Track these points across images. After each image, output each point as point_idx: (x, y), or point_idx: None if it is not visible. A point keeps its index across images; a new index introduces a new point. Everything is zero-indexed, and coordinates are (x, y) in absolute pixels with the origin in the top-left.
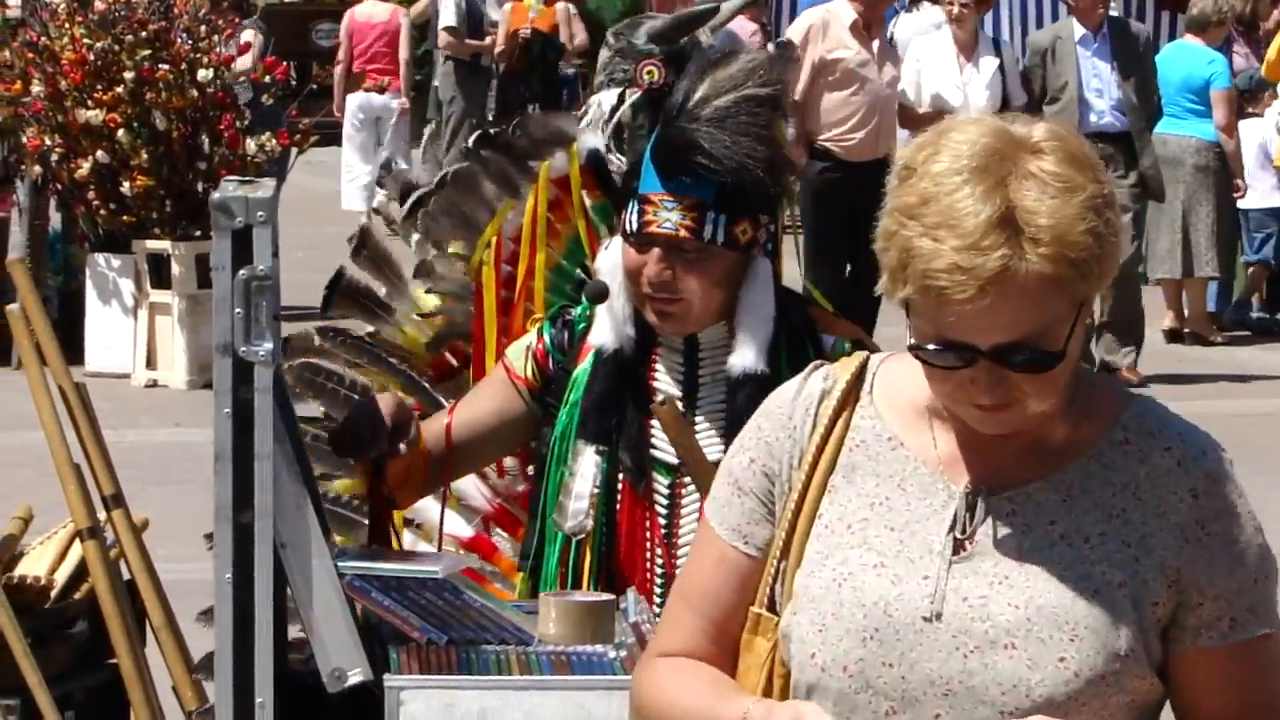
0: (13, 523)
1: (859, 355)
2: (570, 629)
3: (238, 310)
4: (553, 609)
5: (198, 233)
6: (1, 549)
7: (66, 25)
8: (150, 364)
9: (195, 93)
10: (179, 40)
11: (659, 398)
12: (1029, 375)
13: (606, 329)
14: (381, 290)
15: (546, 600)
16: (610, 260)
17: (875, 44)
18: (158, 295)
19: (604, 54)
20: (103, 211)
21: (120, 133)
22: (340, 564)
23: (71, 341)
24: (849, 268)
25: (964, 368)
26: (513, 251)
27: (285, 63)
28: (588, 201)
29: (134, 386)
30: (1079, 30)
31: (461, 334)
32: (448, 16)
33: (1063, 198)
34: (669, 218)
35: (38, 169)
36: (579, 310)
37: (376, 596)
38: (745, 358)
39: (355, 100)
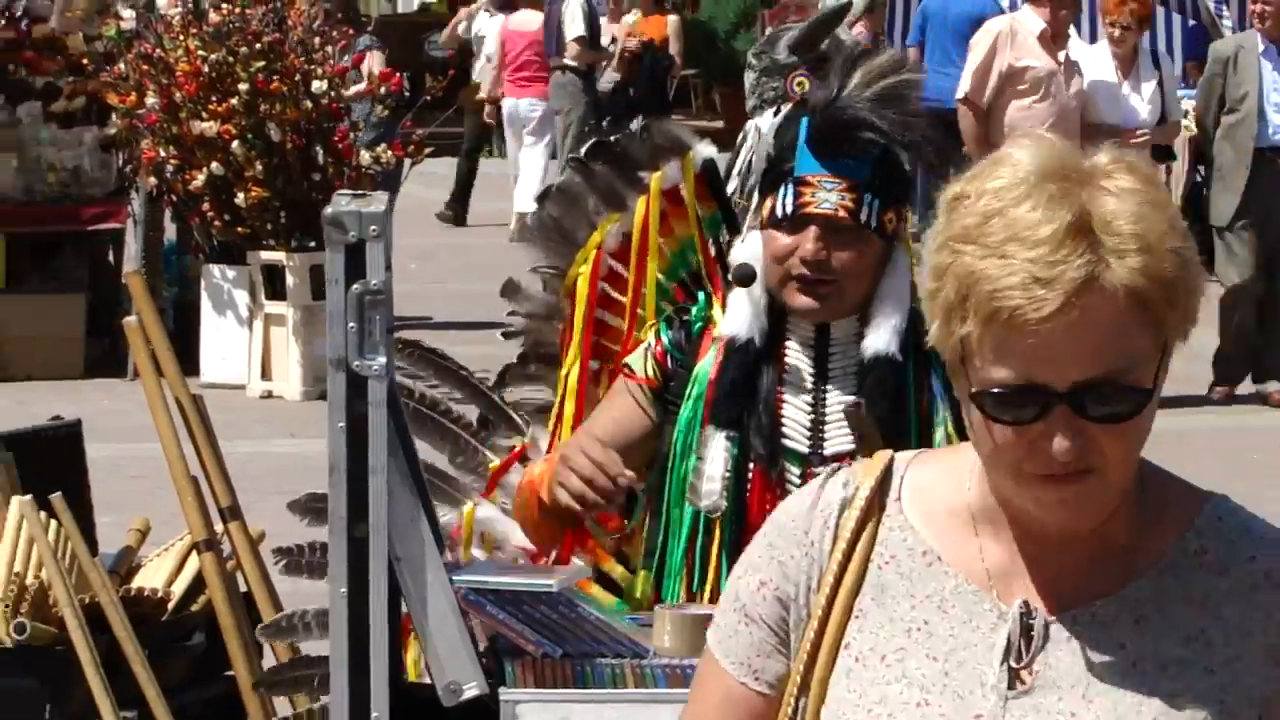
0: (130, 535)
1: (882, 456)
2: (685, 642)
3: (351, 325)
4: (667, 622)
5: (312, 244)
6: (119, 561)
7: (181, 37)
8: (265, 375)
9: (309, 104)
10: (293, 52)
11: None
12: (1111, 428)
13: (741, 318)
14: None
15: (661, 613)
16: (747, 252)
17: (1062, 55)
18: (272, 306)
19: (749, 77)
20: (217, 223)
21: (235, 144)
22: (454, 578)
23: (186, 353)
24: None
25: (1037, 419)
26: (610, 269)
27: (400, 74)
28: (700, 212)
29: (249, 397)
30: (1263, 42)
31: (546, 353)
32: (577, 27)
33: (1146, 209)
34: (827, 198)
35: (153, 180)
36: (695, 310)
37: (491, 610)
38: (879, 340)
39: (505, 106)
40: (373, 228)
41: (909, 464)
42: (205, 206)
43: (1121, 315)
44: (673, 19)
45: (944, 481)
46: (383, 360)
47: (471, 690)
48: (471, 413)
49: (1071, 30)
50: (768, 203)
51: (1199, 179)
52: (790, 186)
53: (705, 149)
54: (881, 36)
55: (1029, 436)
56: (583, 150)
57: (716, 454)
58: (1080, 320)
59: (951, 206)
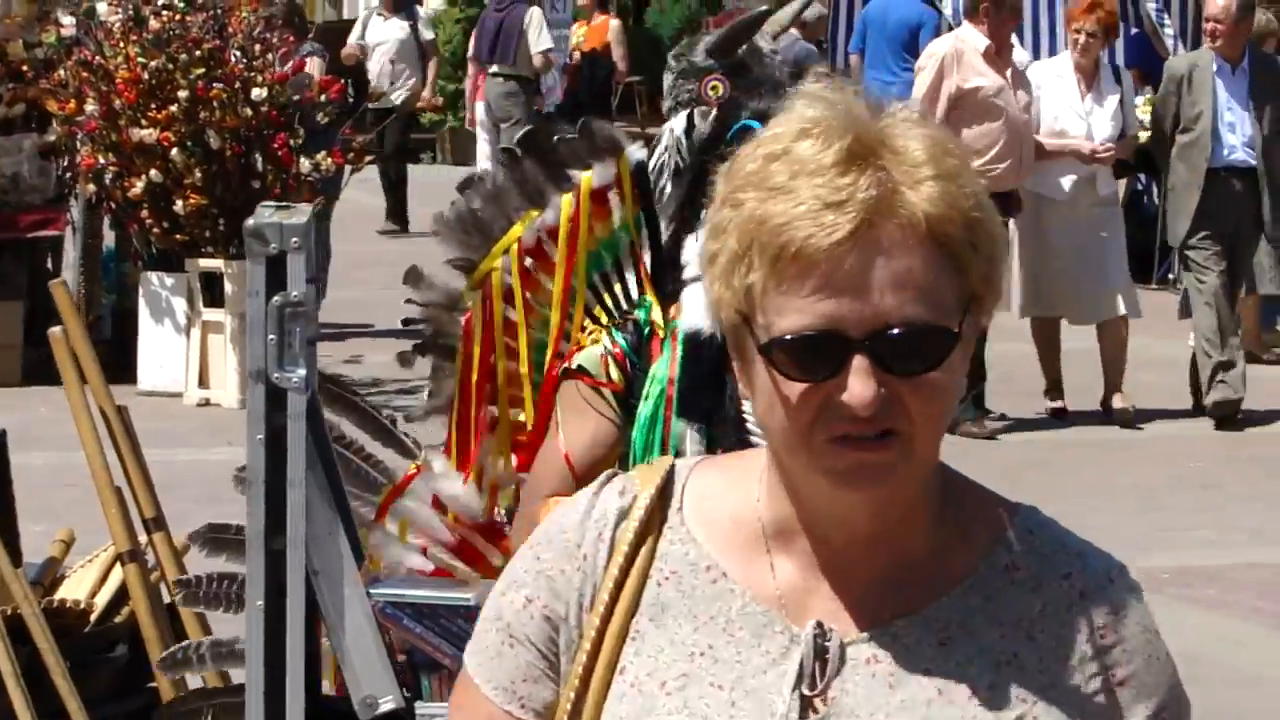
0: (55, 545)
1: (663, 462)
2: None
3: (271, 336)
4: None
5: None
6: (43, 572)
7: (121, 44)
8: (203, 383)
9: (249, 111)
10: (233, 59)
11: None
12: (916, 383)
13: (701, 312)
14: None
15: None
16: (696, 250)
17: (1009, 70)
18: (210, 314)
19: (667, 78)
20: (156, 230)
21: (174, 151)
22: (372, 591)
23: (124, 360)
24: None
25: (834, 374)
26: (522, 267)
27: (343, 81)
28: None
29: (186, 405)
30: (1216, 60)
31: (444, 344)
32: (545, 40)
33: (939, 146)
34: None
35: (92, 188)
36: (642, 315)
37: (408, 624)
38: None
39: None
40: (294, 240)
41: (691, 471)
42: (144, 214)
43: (923, 247)
44: (614, 24)
45: (730, 491)
46: (303, 373)
47: (388, 704)
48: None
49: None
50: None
51: (1139, 186)
52: None
53: (637, 151)
54: (824, 43)
55: (824, 393)
56: (515, 140)
57: (691, 448)
58: (878, 248)
59: (728, 169)
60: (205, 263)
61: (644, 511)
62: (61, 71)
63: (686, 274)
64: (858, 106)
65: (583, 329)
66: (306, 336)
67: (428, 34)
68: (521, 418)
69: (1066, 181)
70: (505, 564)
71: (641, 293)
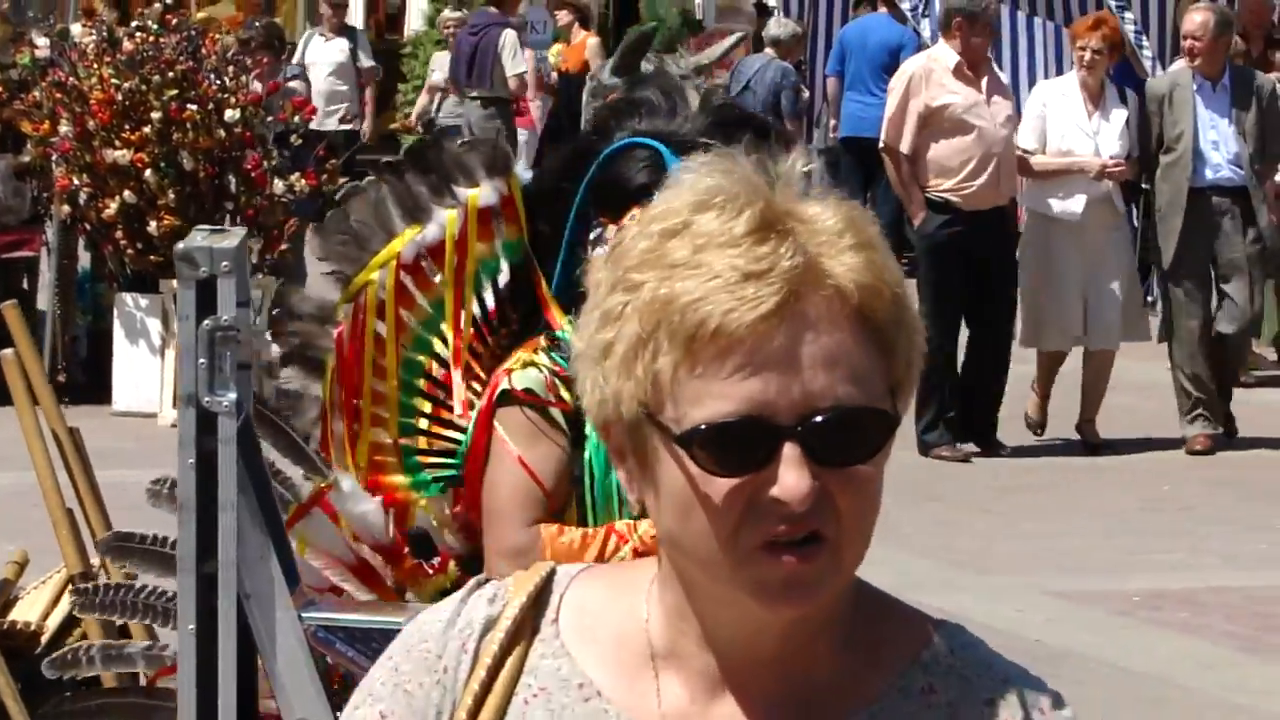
0: (8, 567)
1: (540, 568)
2: None
3: (201, 361)
4: None
5: None
6: None
7: (95, 65)
8: (177, 403)
9: (222, 133)
10: (206, 81)
11: None
12: (849, 477)
13: None
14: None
15: None
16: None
17: (984, 82)
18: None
19: (585, 98)
20: (130, 251)
21: (148, 173)
22: (304, 615)
23: (100, 381)
24: (964, 324)
25: (761, 468)
26: (399, 283)
27: (313, 103)
28: (502, 236)
29: (160, 426)
30: (1197, 79)
31: (309, 355)
32: (519, 64)
33: (852, 211)
34: None
35: (66, 208)
36: (565, 336)
37: (341, 648)
38: None
39: None
40: (224, 263)
41: (573, 579)
42: (118, 234)
43: (850, 322)
44: (592, 42)
45: (615, 603)
46: (233, 396)
47: None
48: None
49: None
50: (636, 213)
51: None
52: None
53: (525, 171)
54: (803, 64)
55: (751, 490)
56: (402, 153)
57: None
58: (805, 322)
59: (613, 253)
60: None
61: (513, 622)
62: (36, 92)
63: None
64: (756, 175)
65: (476, 352)
66: (239, 360)
67: (367, 61)
68: (385, 438)
69: (1078, 203)
70: (397, 586)
71: (531, 314)
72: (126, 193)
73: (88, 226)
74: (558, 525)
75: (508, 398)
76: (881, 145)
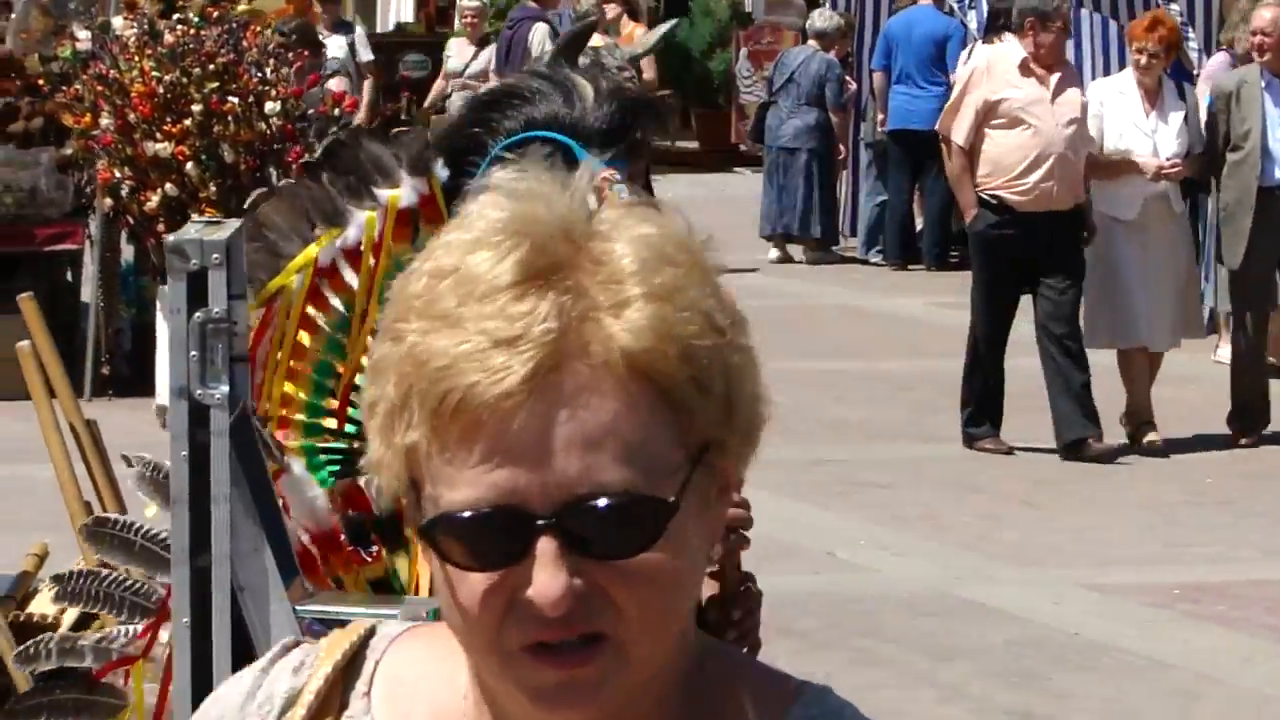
0: (28, 559)
1: (357, 627)
2: None
3: (193, 353)
4: None
5: None
6: (16, 586)
7: (136, 58)
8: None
9: (263, 126)
10: (248, 74)
11: None
12: (621, 567)
13: None
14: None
15: None
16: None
17: (1053, 80)
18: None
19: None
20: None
21: (189, 165)
22: (298, 607)
23: (144, 373)
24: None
25: (515, 559)
26: (313, 286)
27: (352, 96)
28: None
29: None
30: (1265, 76)
31: None
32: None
33: (661, 251)
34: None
35: (108, 201)
36: None
37: None
38: None
39: None
40: (214, 255)
41: (391, 643)
42: (160, 227)
43: (624, 391)
44: (639, 33)
45: (434, 672)
46: (225, 389)
47: None
48: None
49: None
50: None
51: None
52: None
53: (443, 170)
54: (850, 59)
55: (508, 588)
56: (318, 152)
57: None
58: (560, 397)
59: (399, 282)
60: None
61: (316, 696)
62: (77, 85)
63: None
64: (558, 201)
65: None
66: (235, 353)
67: (366, 54)
68: (291, 441)
69: (1136, 201)
70: (332, 576)
71: None
72: (168, 185)
73: (130, 219)
74: None
75: None
76: (942, 136)
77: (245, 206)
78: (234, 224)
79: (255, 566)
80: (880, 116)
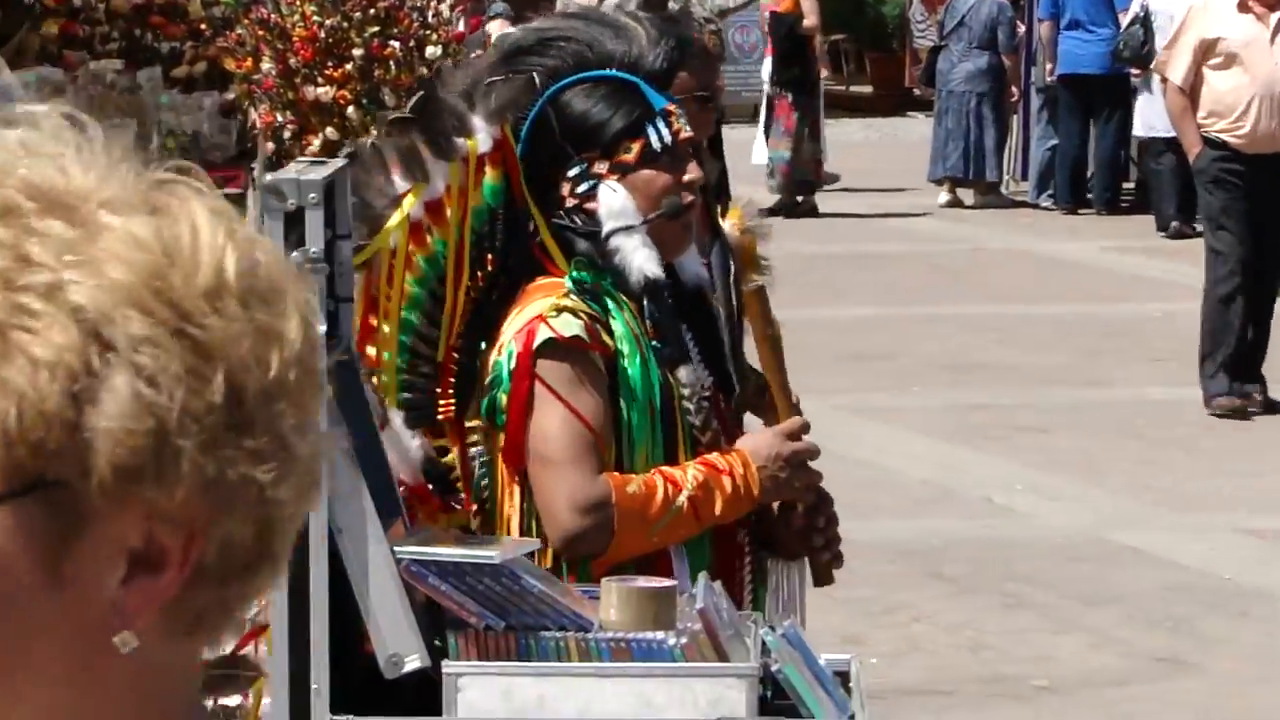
0: None
1: None
2: (631, 615)
3: None
4: (614, 594)
5: None
6: None
7: (297, 2)
8: None
9: (424, 70)
10: (408, 17)
11: (752, 283)
12: None
13: (648, 260)
14: None
15: (608, 586)
16: (619, 201)
17: (1274, 18)
18: None
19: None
20: None
21: (350, 109)
22: (397, 549)
23: None
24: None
25: None
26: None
27: None
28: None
29: None
30: None
31: None
32: None
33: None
34: (688, 124)
35: (270, 146)
36: (586, 277)
37: (434, 582)
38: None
39: None
40: (311, 195)
41: None
42: None
43: None
44: None
45: None
46: (322, 330)
47: (413, 662)
48: None
49: None
50: (633, 147)
51: None
52: (660, 121)
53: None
54: (1021, 1)
55: None
56: (409, 107)
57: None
58: None
59: None
60: None
61: None
62: (239, 30)
63: (607, 227)
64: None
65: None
66: (340, 294)
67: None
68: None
69: None
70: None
71: (514, 257)
72: (329, 129)
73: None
74: (620, 474)
75: (551, 345)
76: (1161, 76)
77: (343, 159)
78: (335, 164)
79: (353, 508)
80: (1049, 66)
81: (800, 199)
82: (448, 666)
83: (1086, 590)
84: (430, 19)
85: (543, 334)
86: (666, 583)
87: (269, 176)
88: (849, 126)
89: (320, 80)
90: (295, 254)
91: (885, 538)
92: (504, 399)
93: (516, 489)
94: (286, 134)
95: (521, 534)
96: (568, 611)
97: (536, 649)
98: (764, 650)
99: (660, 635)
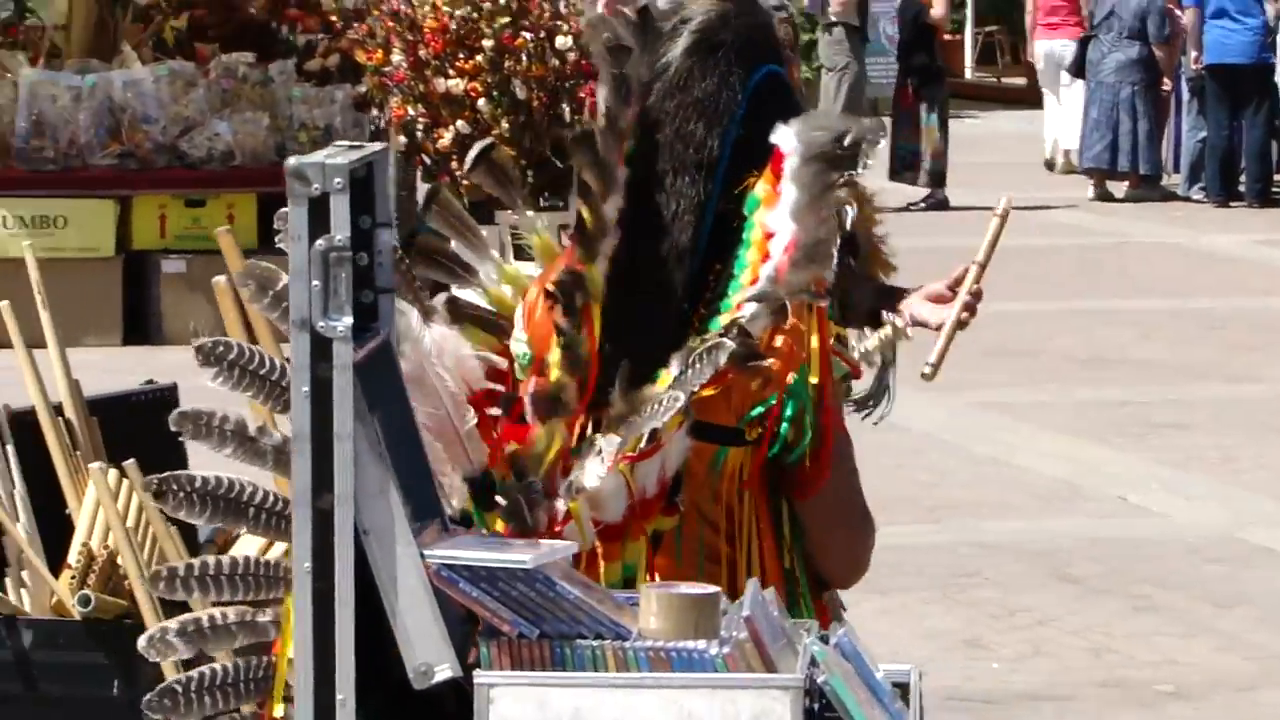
0: None
1: None
2: (671, 623)
3: (315, 283)
4: (653, 602)
5: (561, 204)
6: (216, 531)
7: None
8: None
9: (555, 61)
10: (539, 8)
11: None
12: None
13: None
14: (463, 252)
15: (647, 593)
16: None
17: None
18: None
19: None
20: (465, 182)
21: (480, 102)
22: (426, 553)
23: None
24: None
25: None
26: None
27: None
28: None
29: None
30: None
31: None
32: None
33: None
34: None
35: (403, 139)
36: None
37: (465, 587)
38: None
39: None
40: (337, 180)
41: None
42: (454, 165)
43: None
44: None
45: None
46: (348, 321)
47: (444, 672)
48: None
49: None
50: None
51: None
52: None
53: None
54: None
55: None
56: None
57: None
58: None
59: None
60: (515, 215)
61: None
62: (370, 22)
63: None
64: None
65: None
66: (380, 284)
67: None
68: None
69: None
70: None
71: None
72: (460, 122)
73: (424, 158)
74: None
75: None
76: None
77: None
78: (377, 147)
79: (381, 508)
80: (1194, 54)
81: (930, 191)
82: (479, 677)
83: (1219, 592)
84: (562, 9)
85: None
86: (709, 590)
87: (292, 160)
88: (998, 118)
89: (451, 72)
90: (320, 241)
91: (1012, 538)
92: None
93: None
94: (419, 127)
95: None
96: (605, 619)
97: (572, 658)
98: (813, 661)
99: (701, 644)
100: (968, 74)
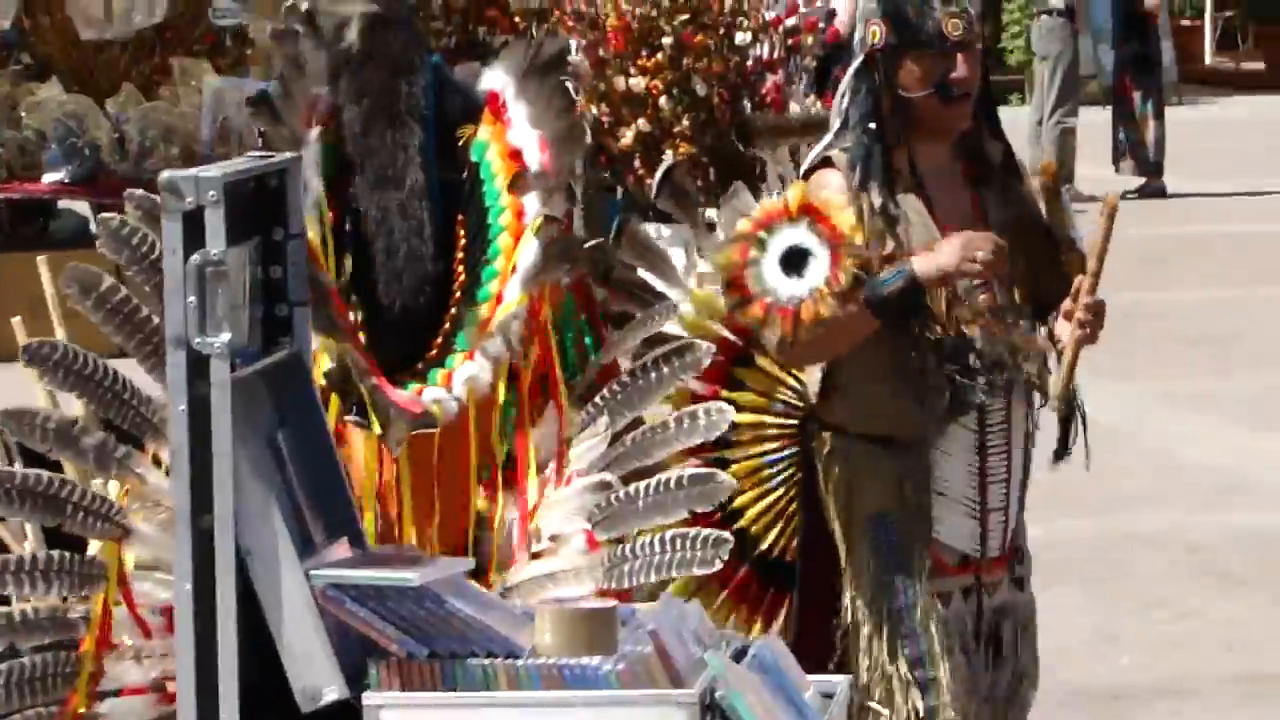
0: None
1: None
2: (565, 639)
3: (190, 299)
4: (546, 618)
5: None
6: None
7: None
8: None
9: (736, 58)
10: (719, 3)
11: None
12: None
13: None
14: (654, 280)
15: (541, 609)
16: None
17: None
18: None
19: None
20: (649, 181)
21: (661, 100)
22: (312, 572)
23: None
24: None
25: None
26: None
27: (830, 25)
28: None
29: None
30: None
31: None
32: None
33: None
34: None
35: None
36: None
37: (351, 607)
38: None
39: None
40: (211, 193)
41: None
42: (636, 164)
43: None
44: None
45: None
46: (226, 337)
47: (331, 694)
48: None
49: None
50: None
51: None
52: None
53: None
54: None
55: None
56: None
57: None
58: None
59: None
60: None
61: None
62: (551, 20)
63: None
64: None
65: None
66: (294, 298)
67: None
68: None
69: None
70: None
71: None
72: (641, 121)
73: (606, 157)
74: None
75: None
76: None
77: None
78: (280, 158)
79: (264, 529)
80: None
81: (1145, 180)
82: (368, 698)
83: None
84: (744, 5)
85: None
86: (605, 604)
87: (165, 174)
88: (1236, 105)
89: (632, 70)
90: (195, 256)
91: (1168, 531)
92: None
93: None
94: (603, 126)
95: None
96: (497, 636)
97: (463, 677)
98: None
99: (595, 661)
100: (1207, 59)
